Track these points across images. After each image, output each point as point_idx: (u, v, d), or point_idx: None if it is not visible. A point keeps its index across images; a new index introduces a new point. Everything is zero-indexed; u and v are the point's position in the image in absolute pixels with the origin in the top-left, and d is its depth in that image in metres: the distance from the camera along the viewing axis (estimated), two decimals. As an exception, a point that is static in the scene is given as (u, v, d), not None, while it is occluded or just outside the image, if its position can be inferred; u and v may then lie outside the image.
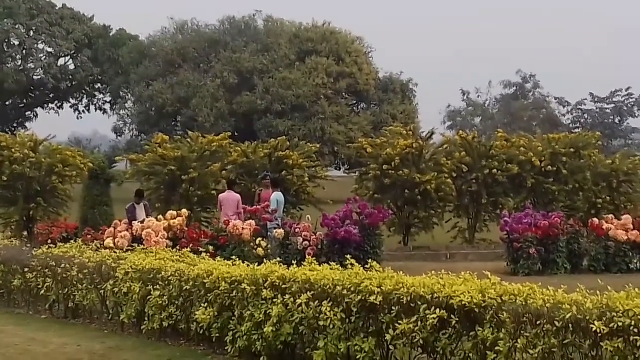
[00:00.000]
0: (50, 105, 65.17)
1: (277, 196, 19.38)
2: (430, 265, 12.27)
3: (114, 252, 13.29)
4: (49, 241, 17.27)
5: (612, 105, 78.17)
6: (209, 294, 10.49)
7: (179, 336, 11.32)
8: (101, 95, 65.89)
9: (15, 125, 62.15)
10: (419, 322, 8.38)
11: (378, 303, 8.73)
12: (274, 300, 9.62)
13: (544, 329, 7.58)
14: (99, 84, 64.91)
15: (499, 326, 7.92)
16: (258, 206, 18.81)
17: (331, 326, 9.03)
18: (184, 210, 18.09)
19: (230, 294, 10.20)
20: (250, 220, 17.40)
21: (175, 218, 17.24)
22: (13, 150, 22.08)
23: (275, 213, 18.64)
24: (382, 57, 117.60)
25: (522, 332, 7.77)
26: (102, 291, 12.63)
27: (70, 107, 65.32)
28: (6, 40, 58.40)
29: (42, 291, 13.81)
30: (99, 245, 14.55)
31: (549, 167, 23.92)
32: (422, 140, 24.25)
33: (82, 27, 60.02)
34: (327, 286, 9.23)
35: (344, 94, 55.44)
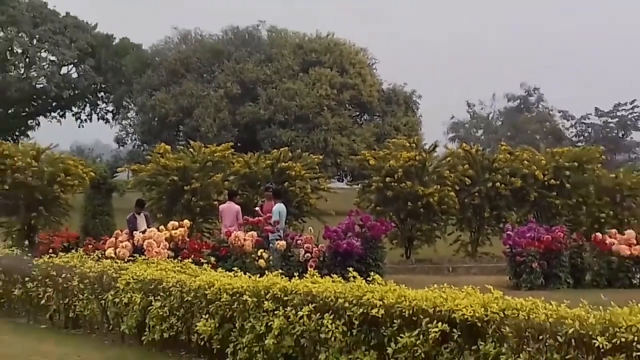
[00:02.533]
0: (52, 114, 65.14)
1: (279, 208, 19.37)
2: (432, 278, 12.27)
3: (115, 262, 13.29)
4: (50, 251, 17.26)
5: (617, 119, 78.22)
6: (210, 306, 10.49)
7: (179, 347, 11.30)
8: (104, 105, 65.90)
9: (17, 134, 62.16)
10: (421, 336, 8.38)
11: (380, 316, 8.73)
12: (276, 312, 9.63)
13: (546, 344, 7.58)
14: (101, 93, 64.95)
15: (502, 341, 7.92)
16: (259, 218, 18.80)
17: (333, 339, 9.03)
18: (185, 221, 18.09)
19: (232, 306, 10.20)
20: (252, 232, 17.40)
21: (177, 229, 17.25)
22: (15, 159, 22.12)
23: (278, 225, 18.63)
24: (385, 67, 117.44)
25: (524, 347, 7.77)
26: (103, 302, 12.63)
27: (73, 116, 65.27)
28: (10, 48, 58.41)
29: (43, 301, 13.81)
30: (100, 256, 14.53)
31: (553, 181, 23.94)
32: (426, 153, 24.27)
33: (86, 36, 60.06)
34: (329, 299, 9.24)
35: (347, 105, 55.44)
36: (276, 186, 21.70)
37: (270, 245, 17.86)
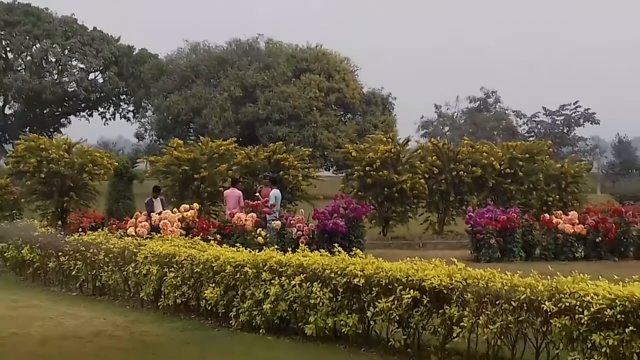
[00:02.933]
0: (82, 113, 64.83)
1: (275, 193, 19.35)
2: (405, 253, 12.23)
3: (136, 239, 13.27)
4: (80, 230, 17.16)
5: (562, 117, 78.19)
6: (216, 276, 10.49)
7: (190, 311, 11.31)
8: (125, 106, 65.51)
9: (52, 130, 61.85)
10: (396, 301, 8.39)
11: (361, 285, 8.74)
12: (272, 281, 9.63)
13: (502, 308, 7.61)
14: (123, 96, 64.55)
15: (464, 305, 7.94)
16: (258, 202, 18.74)
17: (321, 304, 9.05)
18: (195, 205, 18.01)
19: (235, 276, 10.20)
20: (252, 214, 17.37)
21: (188, 211, 17.18)
22: (50, 152, 21.96)
23: (274, 207, 18.61)
24: (365, 73, 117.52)
25: (483, 310, 7.80)
26: (125, 272, 12.62)
27: (99, 115, 64.89)
28: (45, 57, 58.17)
29: (74, 272, 13.81)
30: (122, 234, 14.53)
31: (508, 170, 23.95)
32: (400, 147, 24.24)
33: (110, 47, 59.71)
34: (318, 270, 9.24)
35: (333, 106, 55.28)
36: (273, 175, 21.65)
37: (268, 224, 17.85)
